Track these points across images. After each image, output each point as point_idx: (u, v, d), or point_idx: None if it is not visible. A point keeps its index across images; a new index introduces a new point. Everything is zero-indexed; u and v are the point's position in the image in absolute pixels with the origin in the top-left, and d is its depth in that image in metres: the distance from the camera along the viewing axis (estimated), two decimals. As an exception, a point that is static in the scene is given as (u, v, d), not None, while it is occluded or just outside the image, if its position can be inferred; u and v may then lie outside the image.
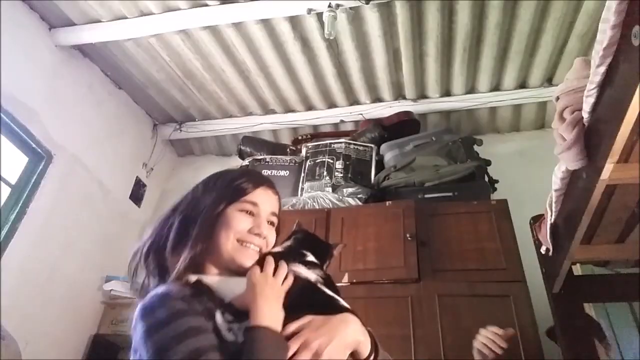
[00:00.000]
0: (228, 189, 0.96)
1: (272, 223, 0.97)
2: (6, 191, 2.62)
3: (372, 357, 0.82)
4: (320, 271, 0.90)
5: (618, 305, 1.84)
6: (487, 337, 1.54)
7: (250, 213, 0.94)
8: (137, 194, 3.57)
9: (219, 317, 0.79)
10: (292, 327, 0.78)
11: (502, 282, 2.10)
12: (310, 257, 0.93)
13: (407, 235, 2.27)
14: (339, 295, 0.88)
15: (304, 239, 0.99)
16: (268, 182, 1.01)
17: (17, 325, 2.29)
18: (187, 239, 0.89)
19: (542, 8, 2.58)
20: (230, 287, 0.84)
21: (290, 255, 0.92)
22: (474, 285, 2.11)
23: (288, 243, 0.98)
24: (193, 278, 0.85)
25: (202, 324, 0.76)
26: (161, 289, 0.82)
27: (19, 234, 2.59)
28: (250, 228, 0.92)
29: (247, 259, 0.90)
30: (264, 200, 0.97)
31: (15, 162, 2.70)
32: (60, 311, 2.78)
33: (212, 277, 0.88)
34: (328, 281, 0.90)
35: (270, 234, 0.96)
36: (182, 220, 0.93)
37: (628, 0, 0.73)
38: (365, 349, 0.81)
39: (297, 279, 0.86)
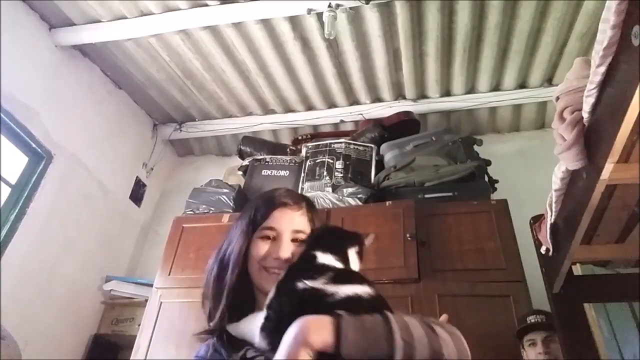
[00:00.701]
0: (248, 222, 0.98)
1: (299, 240, 0.96)
2: (6, 191, 2.62)
3: (341, 346, 0.71)
4: (329, 272, 0.86)
5: (618, 305, 1.84)
6: None
7: (271, 238, 0.95)
8: (137, 194, 3.57)
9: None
10: None
11: (502, 282, 2.10)
12: (321, 258, 0.88)
13: (407, 235, 2.27)
14: (359, 282, 0.84)
15: (318, 237, 0.95)
16: (284, 202, 0.99)
17: (17, 325, 2.29)
18: (224, 286, 0.93)
19: (542, 8, 2.59)
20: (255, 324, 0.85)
21: (302, 265, 0.89)
22: (474, 285, 2.11)
23: (303, 247, 0.95)
24: (226, 328, 0.89)
25: None
26: (199, 352, 0.91)
27: (19, 234, 2.59)
28: (270, 253, 0.93)
29: (271, 284, 0.89)
30: (281, 221, 0.96)
31: (15, 162, 2.70)
32: (60, 311, 2.78)
33: (243, 323, 0.89)
34: (341, 275, 0.85)
35: (299, 252, 0.93)
36: (219, 266, 0.97)
37: (628, 0, 0.73)
38: (324, 343, 0.71)
39: (304, 293, 0.83)
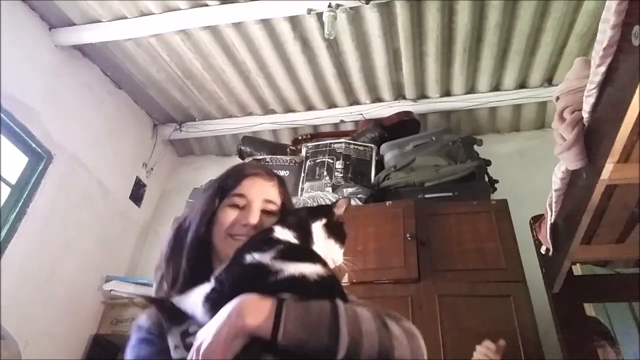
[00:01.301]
0: (216, 189, 0.96)
1: (268, 211, 0.93)
2: (6, 191, 2.62)
3: (278, 334, 0.67)
4: (279, 245, 0.81)
5: (618, 305, 1.84)
6: (482, 352, 1.61)
7: (240, 206, 0.92)
8: (137, 194, 3.57)
9: (170, 340, 0.78)
10: None
11: (502, 282, 2.10)
12: (278, 233, 0.84)
13: (407, 235, 2.26)
14: (310, 261, 0.78)
15: (284, 214, 0.93)
16: (256, 172, 0.98)
17: (17, 325, 2.29)
18: (179, 252, 0.91)
19: (542, 8, 2.58)
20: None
21: (258, 237, 0.86)
22: (474, 285, 2.11)
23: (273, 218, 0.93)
24: (172, 298, 0.83)
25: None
26: (139, 320, 0.87)
27: (19, 234, 2.59)
28: (238, 220, 0.91)
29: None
30: (252, 190, 0.94)
31: (15, 162, 2.70)
32: (60, 311, 2.78)
33: (190, 294, 0.82)
34: (291, 251, 0.80)
35: (268, 222, 0.91)
36: (177, 233, 0.94)
37: (628, 0, 0.73)
38: (259, 328, 0.68)
39: (249, 267, 0.78)
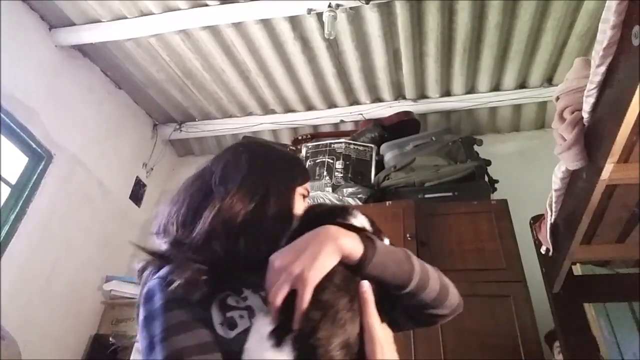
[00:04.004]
0: (297, 172, 0.99)
1: None
2: (6, 191, 2.62)
3: (366, 261, 0.72)
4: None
5: (618, 305, 1.84)
6: None
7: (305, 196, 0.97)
8: (137, 194, 3.57)
9: (214, 309, 0.72)
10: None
11: (502, 282, 2.10)
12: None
13: (407, 235, 2.26)
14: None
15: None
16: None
17: (17, 325, 2.29)
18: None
19: (542, 8, 2.58)
20: None
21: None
22: (474, 285, 2.11)
23: None
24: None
25: (195, 318, 0.70)
26: (165, 269, 0.78)
27: (19, 234, 2.58)
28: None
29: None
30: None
31: (15, 162, 2.70)
32: (60, 311, 2.78)
33: None
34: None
35: None
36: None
37: (628, 0, 0.73)
38: (352, 250, 0.71)
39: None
